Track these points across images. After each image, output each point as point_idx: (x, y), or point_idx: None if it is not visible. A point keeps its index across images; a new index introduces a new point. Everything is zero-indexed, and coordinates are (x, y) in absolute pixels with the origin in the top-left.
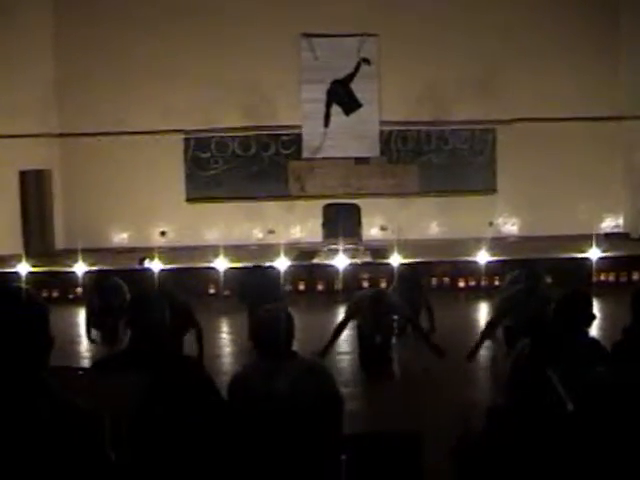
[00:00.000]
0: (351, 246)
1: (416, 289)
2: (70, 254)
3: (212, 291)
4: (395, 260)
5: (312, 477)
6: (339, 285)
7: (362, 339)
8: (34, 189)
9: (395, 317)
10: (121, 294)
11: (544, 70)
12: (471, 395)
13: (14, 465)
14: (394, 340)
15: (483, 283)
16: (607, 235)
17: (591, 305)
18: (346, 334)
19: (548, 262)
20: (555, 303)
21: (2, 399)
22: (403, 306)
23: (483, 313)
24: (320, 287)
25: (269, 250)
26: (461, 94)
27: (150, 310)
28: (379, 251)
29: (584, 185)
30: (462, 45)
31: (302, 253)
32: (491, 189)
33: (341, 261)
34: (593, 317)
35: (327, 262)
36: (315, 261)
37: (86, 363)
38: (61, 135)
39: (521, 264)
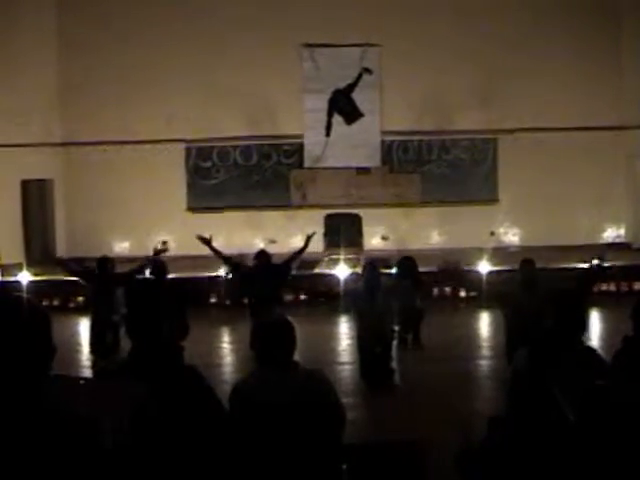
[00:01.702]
0: (352, 256)
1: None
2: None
3: (213, 300)
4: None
5: None
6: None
7: (362, 349)
8: (36, 198)
9: (395, 327)
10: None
11: (546, 80)
12: (472, 405)
13: (10, 472)
14: (394, 351)
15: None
16: (609, 245)
17: (582, 309)
18: (346, 344)
19: (549, 272)
20: (549, 312)
21: (3, 407)
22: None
23: (484, 323)
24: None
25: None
26: (463, 104)
27: (148, 320)
28: (380, 261)
29: (586, 195)
30: (464, 55)
31: (303, 263)
32: (492, 199)
33: (342, 271)
34: (584, 322)
35: (328, 272)
36: (316, 271)
37: (87, 372)
38: (63, 144)
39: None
